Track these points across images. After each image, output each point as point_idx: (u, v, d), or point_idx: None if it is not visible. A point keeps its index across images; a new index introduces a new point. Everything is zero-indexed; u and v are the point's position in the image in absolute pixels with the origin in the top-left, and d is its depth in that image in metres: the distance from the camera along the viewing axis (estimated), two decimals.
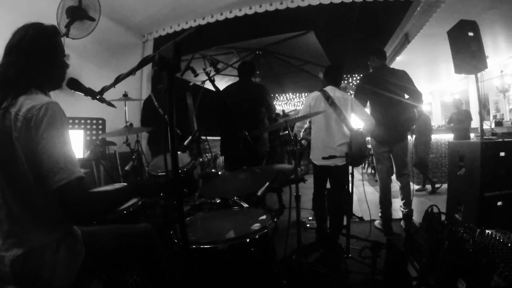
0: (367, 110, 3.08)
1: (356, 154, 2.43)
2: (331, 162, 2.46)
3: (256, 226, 1.25)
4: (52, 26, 1.10)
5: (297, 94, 12.01)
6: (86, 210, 0.93)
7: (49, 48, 1.06)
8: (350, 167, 2.55)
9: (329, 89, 2.66)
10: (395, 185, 3.07)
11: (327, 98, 2.58)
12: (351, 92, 3.99)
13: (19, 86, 0.98)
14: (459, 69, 2.68)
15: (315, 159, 2.67)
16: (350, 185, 2.57)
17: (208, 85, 2.77)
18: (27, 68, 1.00)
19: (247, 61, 3.99)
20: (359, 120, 2.71)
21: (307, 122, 3.00)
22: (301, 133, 2.99)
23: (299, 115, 2.54)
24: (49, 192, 0.89)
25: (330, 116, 2.57)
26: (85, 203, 0.92)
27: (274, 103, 4.05)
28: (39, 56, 1.03)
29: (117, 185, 1.97)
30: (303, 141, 3.16)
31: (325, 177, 2.70)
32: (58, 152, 0.90)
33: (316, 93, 2.69)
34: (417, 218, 3.02)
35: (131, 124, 3.00)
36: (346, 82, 10.83)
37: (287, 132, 2.01)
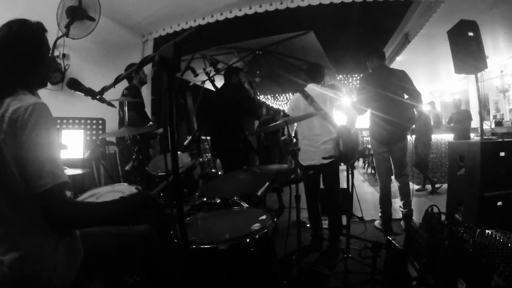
0: (368, 110, 3.08)
1: (345, 150, 2.43)
2: (316, 160, 2.46)
3: (256, 226, 1.25)
4: (38, 22, 1.06)
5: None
6: (65, 218, 0.91)
7: (35, 45, 1.02)
8: (350, 167, 2.55)
9: (309, 88, 2.69)
10: (395, 185, 3.07)
11: (306, 97, 2.59)
12: (344, 90, 3.98)
13: (4, 87, 0.94)
14: (459, 69, 2.68)
15: (301, 160, 2.65)
16: (350, 185, 2.56)
17: (208, 85, 2.78)
18: (11, 66, 0.97)
19: (229, 66, 4.02)
20: (342, 114, 2.71)
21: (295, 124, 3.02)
22: (293, 133, 3.01)
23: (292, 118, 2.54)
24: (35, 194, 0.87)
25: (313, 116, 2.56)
26: (66, 211, 0.91)
27: (274, 103, 4.04)
28: (24, 54, 0.99)
29: (117, 185, 1.97)
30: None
31: (315, 177, 2.66)
32: (43, 154, 0.89)
33: (296, 95, 2.73)
34: (417, 218, 3.02)
35: None
36: (345, 82, 10.83)
37: (285, 136, 2.02)
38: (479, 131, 2.83)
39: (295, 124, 2.94)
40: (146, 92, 4.30)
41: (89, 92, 1.33)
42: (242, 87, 3.14)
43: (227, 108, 2.93)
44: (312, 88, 2.69)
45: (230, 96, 2.99)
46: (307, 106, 2.60)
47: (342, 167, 3.35)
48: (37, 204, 0.90)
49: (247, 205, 1.75)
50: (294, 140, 3.02)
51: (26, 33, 1.00)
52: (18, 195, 0.91)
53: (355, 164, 7.65)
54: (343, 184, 2.78)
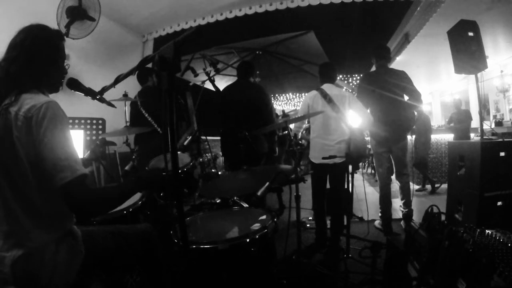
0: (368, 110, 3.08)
1: (355, 153, 2.42)
2: (329, 160, 2.47)
3: (256, 226, 1.25)
4: (57, 30, 1.12)
5: (297, 94, 12.03)
6: (91, 206, 0.94)
7: (51, 50, 1.07)
8: (350, 167, 2.55)
9: (326, 87, 2.66)
10: (395, 185, 3.07)
11: (325, 96, 2.57)
12: (345, 89, 3.97)
13: (22, 84, 0.98)
14: (459, 69, 2.68)
15: (313, 158, 2.65)
16: (350, 185, 2.56)
17: (208, 85, 2.77)
18: (29, 66, 1.01)
19: (246, 61, 3.97)
20: (357, 116, 2.70)
21: (306, 122, 2.99)
22: (300, 134, 2.97)
23: (298, 115, 2.53)
24: (50, 190, 0.90)
25: (328, 114, 2.56)
26: (89, 199, 0.94)
27: (274, 103, 4.02)
28: (40, 57, 1.03)
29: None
30: (302, 141, 3.15)
31: (324, 177, 2.67)
32: (60, 150, 0.91)
33: (314, 92, 2.68)
34: (417, 218, 3.02)
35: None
36: (346, 82, 10.85)
37: (286, 132, 2.00)
38: (479, 131, 2.83)
39: (305, 123, 2.91)
40: None
41: (89, 92, 1.33)
42: (266, 93, 3.08)
43: (249, 105, 2.86)
44: (329, 87, 2.65)
45: (252, 93, 2.93)
46: (325, 104, 2.57)
47: None
48: (48, 200, 0.93)
49: (247, 205, 1.75)
50: (298, 138, 2.99)
51: (45, 37, 1.06)
52: (27, 192, 0.93)
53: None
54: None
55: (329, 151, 2.49)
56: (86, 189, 0.94)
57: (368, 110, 3.02)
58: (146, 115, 2.83)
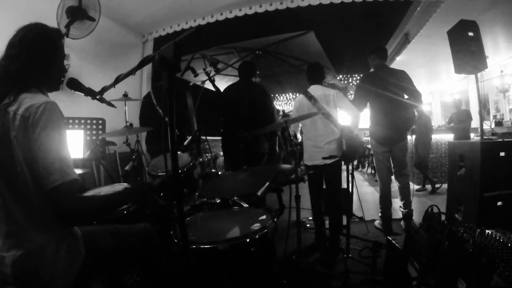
0: (367, 109, 3.09)
1: (348, 150, 2.44)
2: (318, 160, 2.48)
3: (256, 226, 1.25)
4: (56, 29, 1.12)
5: (297, 94, 12.00)
6: (74, 213, 0.93)
7: (50, 49, 1.07)
8: (350, 167, 2.55)
9: (312, 88, 2.69)
10: (395, 185, 3.07)
11: (310, 98, 2.61)
12: (351, 92, 3.98)
13: (22, 83, 0.98)
14: (459, 69, 2.68)
15: (306, 160, 2.70)
16: (350, 185, 2.56)
17: (208, 85, 2.77)
18: (28, 65, 1.00)
19: (247, 62, 3.97)
20: (346, 114, 2.71)
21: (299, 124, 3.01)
22: (298, 134, 2.99)
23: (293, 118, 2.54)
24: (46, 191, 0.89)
25: (314, 116, 2.57)
26: (74, 206, 0.93)
27: (274, 103, 4.01)
28: (40, 55, 1.03)
29: (116, 185, 1.97)
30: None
31: (319, 178, 2.69)
32: (54, 152, 0.90)
33: (300, 96, 2.74)
34: (417, 218, 3.01)
35: (131, 124, 2.99)
36: (345, 82, 10.85)
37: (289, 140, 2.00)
38: (479, 131, 2.83)
39: (300, 125, 2.94)
40: (146, 92, 4.29)
41: (89, 92, 1.33)
42: (268, 94, 3.07)
43: (251, 105, 2.86)
44: (314, 88, 2.69)
45: (254, 94, 2.94)
46: (310, 107, 2.60)
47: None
48: (47, 200, 0.92)
49: (247, 205, 1.75)
50: (297, 139, 3.00)
51: (44, 36, 1.05)
52: (26, 194, 0.93)
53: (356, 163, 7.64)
54: (343, 184, 2.79)
55: (319, 153, 2.51)
56: (73, 196, 0.93)
57: (368, 110, 3.02)
58: (163, 114, 2.82)
